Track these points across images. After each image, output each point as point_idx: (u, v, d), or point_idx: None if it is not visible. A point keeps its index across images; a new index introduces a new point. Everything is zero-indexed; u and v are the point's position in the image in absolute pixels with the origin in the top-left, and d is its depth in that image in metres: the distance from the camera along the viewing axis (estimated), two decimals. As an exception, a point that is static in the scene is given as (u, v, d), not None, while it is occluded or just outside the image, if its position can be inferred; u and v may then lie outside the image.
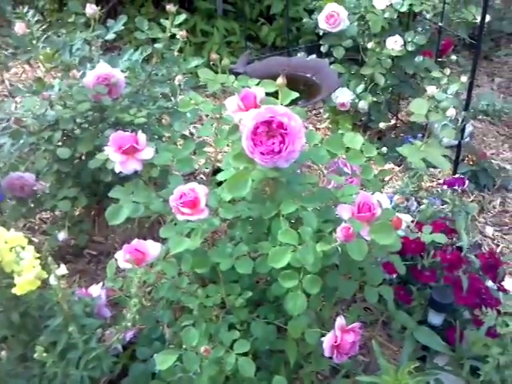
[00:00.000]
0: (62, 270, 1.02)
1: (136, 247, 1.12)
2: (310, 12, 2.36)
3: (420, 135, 2.03)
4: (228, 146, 1.22)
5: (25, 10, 1.63)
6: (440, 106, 1.24)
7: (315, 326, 1.12)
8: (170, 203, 1.05)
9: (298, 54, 2.32)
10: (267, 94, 1.15)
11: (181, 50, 1.94)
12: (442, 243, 1.28)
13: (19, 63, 2.61)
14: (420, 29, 2.24)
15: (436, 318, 1.30)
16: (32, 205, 1.55)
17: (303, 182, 1.15)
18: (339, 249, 1.05)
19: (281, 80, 1.10)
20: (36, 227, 1.74)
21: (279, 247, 1.03)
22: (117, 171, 1.17)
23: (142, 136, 1.16)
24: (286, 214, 1.07)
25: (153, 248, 1.13)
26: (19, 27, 1.55)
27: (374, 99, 2.05)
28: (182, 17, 1.59)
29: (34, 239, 1.71)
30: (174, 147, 1.30)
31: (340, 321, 1.07)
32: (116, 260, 1.13)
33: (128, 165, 1.16)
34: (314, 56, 2.21)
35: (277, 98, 1.13)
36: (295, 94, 1.13)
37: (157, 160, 1.23)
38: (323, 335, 1.10)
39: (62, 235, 1.55)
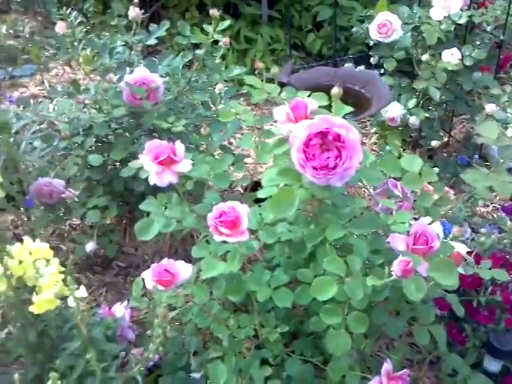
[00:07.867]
0: (82, 291, 0.93)
1: (166, 267, 1.03)
2: (361, 22, 2.24)
3: (476, 156, 1.89)
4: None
5: (68, 12, 1.58)
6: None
7: (357, 368, 1.01)
8: (207, 221, 0.96)
9: (346, 65, 2.20)
10: (316, 108, 1.05)
11: (223, 57, 1.86)
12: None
13: (60, 64, 2.58)
14: (478, 42, 2.10)
15: (493, 365, 1.17)
16: (61, 212, 1.48)
17: (351, 204, 1.05)
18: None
19: (336, 90, 0.99)
20: (65, 234, 1.67)
21: (324, 277, 0.93)
22: (151, 183, 1.08)
23: (180, 147, 1.07)
24: (333, 240, 0.96)
25: (184, 269, 1.03)
26: (59, 27, 1.50)
27: (427, 115, 1.92)
28: (226, 23, 1.49)
29: (62, 246, 1.64)
30: (211, 159, 1.22)
31: (386, 366, 0.95)
32: (143, 279, 1.04)
33: (163, 176, 1.06)
34: (362, 67, 2.10)
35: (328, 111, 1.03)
36: (349, 108, 1.02)
37: (193, 173, 1.14)
38: (365, 377, 0.98)
39: (90, 246, 1.47)
